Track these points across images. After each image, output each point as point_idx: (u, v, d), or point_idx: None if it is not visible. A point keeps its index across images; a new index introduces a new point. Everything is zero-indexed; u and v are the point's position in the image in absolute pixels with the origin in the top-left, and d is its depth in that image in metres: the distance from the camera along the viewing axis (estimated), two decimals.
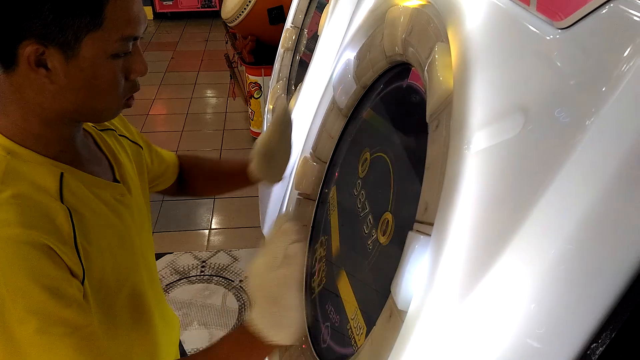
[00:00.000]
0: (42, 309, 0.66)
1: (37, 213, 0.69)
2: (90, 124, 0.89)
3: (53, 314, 0.67)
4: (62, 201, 0.72)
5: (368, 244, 0.88)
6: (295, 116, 1.59)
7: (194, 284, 2.60)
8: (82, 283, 0.72)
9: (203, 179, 1.18)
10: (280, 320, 0.77)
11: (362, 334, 0.80)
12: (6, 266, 0.65)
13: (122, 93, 0.76)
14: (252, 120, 3.65)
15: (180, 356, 1.11)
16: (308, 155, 1.22)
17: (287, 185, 1.32)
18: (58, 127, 0.75)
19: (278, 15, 3.13)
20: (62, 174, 0.74)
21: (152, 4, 6.55)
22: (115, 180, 0.86)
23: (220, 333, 2.33)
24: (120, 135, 0.95)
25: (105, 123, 0.92)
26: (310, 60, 1.59)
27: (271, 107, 2.02)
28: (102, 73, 0.72)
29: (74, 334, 0.68)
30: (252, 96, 3.50)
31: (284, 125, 1.08)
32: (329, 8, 1.53)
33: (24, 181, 0.70)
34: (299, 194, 1.21)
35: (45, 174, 0.73)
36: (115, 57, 0.72)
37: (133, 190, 0.89)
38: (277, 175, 1.13)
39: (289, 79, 2.07)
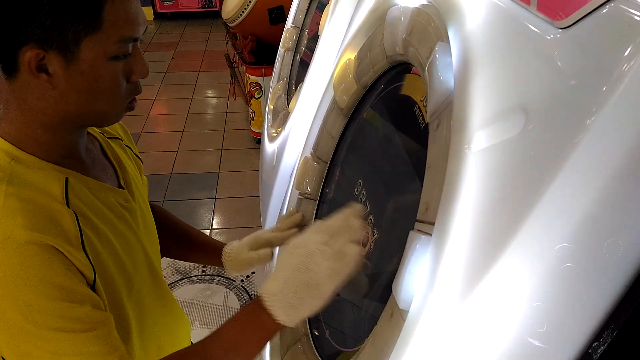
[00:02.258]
0: (57, 309, 0.67)
1: (44, 217, 0.69)
2: (97, 130, 0.89)
3: (68, 314, 0.68)
4: (67, 205, 0.72)
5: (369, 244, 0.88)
6: (296, 116, 1.60)
7: (195, 283, 2.60)
8: (94, 284, 0.73)
9: (167, 233, 1.11)
10: (302, 306, 0.73)
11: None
12: (17, 269, 0.66)
13: (124, 96, 0.76)
14: (253, 120, 3.66)
15: None
16: (309, 155, 1.22)
17: (288, 185, 1.32)
18: (61, 132, 0.75)
19: (278, 15, 3.13)
20: (66, 179, 0.74)
21: (153, 4, 6.55)
22: (120, 187, 0.87)
23: None
24: (126, 145, 0.96)
25: (113, 132, 0.93)
26: (310, 60, 1.59)
27: (272, 107, 2.02)
28: (102, 76, 0.72)
29: (91, 330, 0.69)
30: (252, 96, 3.50)
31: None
32: (329, 8, 1.53)
33: (29, 186, 0.70)
34: (300, 194, 1.21)
35: (49, 178, 0.73)
36: (115, 59, 0.72)
37: (137, 197, 0.90)
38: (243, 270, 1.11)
39: (290, 79, 2.07)
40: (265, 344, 0.78)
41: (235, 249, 1.06)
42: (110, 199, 0.81)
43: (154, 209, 1.09)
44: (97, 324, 0.70)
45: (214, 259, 1.08)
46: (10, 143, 0.73)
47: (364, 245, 0.73)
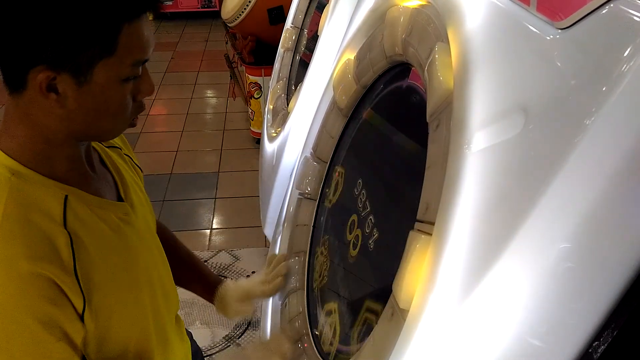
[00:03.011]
0: (37, 342, 0.68)
1: (41, 242, 0.69)
2: None
3: (46, 347, 0.69)
4: (65, 226, 0.72)
5: (369, 244, 0.88)
6: (295, 116, 1.60)
7: None
8: (83, 311, 0.73)
9: (170, 256, 1.12)
10: None
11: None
12: (9, 300, 0.67)
13: (130, 114, 0.77)
14: (252, 120, 3.65)
15: None
16: (309, 155, 1.23)
17: (288, 185, 1.32)
18: (65, 147, 0.75)
19: (278, 15, 3.13)
20: (66, 197, 0.74)
21: None
22: (120, 198, 0.86)
23: (222, 332, 2.33)
24: (125, 154, 0.95)
25: (111, 141, 0.93)
26: (310, 60, 1.59)
27: (271, 107, 2.02)
28: (112, 97, 0.72)
29: None
30: (252, 96, 3.50)
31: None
32: (329, 8, 1.53)
33: (28, 204, 0.70)
34: (300, 194, 1.22)
35: (49, 196, 0.72)
36: (126, 81, 0.72)
37: (138, 208, 0.89)
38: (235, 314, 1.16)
39: (289, 79, 2.07)
40: None
41: (226, 297, 1.12)
42: (111, 215, 0.81)
43: (160, 229, 1.09)
44: None
45: (207, 295, 1.13)
46: (11, 157, 0.72)
47: None
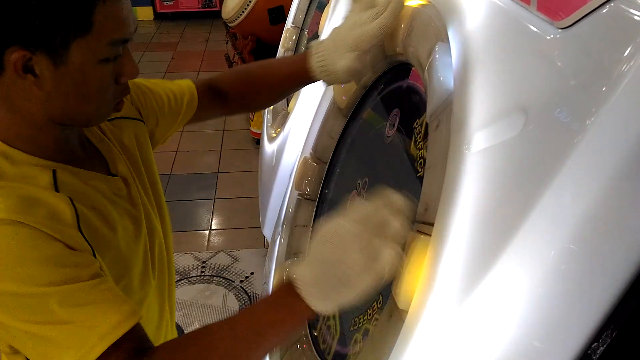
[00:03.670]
0: (58, 264, 0.66)
1: (30, 202, 0.68)
2: None
3: (70, 261, 0.67)
4: (57, 192, 0.71)
5: None
6: (295, 116, 1.60)
7: (194, 284, 2.60)
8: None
9: (255, 90, 1.04)
10: (339, 298, 0.66)
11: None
12: (5, 251, 0.65)
13: (112, 97, 0.75)
14: (252, 120, 3.66)
15: None
16: (308, 155, 1.22)
17: (287, 186, 1.32)
18: (49, 130, 0.75)
19: (278, 15, 3.13)
20: (54, 171, 0.73)
21: (153, 4, 6.55)
22: (110, 174, 0.85)
23: None
24: (115, 118, 0.91)
25: None
26: None
27: (271, 107, 2.02)
28: (91, 78, 0.71)
29: (97, 277, 0.68)
30: None
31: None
32: (329, 8, 1.53)
33: (14, 180, 0.70)
34: (299, 194, 1.21)
35: (37, 172, 0.72)
36: (105, 62, 0.71)
37: (131, 181, 0.87)
38: (347, 73, 0.90)
39: None
40: (296, 330, 0.74)
41: (328, 55, 0.90)
42: (105, 188, 0.80)
43: (219, 82, 1.04)
44: (100, 275, 0.69)
45: (302, 75, 0.96)
46: None
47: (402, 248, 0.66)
